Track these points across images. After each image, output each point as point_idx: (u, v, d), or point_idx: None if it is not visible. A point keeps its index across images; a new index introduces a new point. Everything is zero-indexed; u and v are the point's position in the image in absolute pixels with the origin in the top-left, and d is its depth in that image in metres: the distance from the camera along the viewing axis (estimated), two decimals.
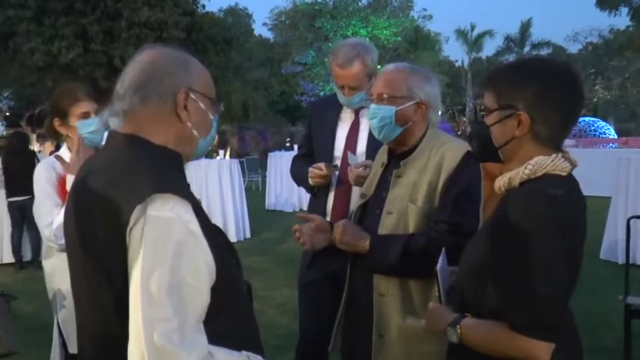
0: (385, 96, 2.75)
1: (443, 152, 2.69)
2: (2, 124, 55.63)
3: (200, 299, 1.58)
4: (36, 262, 9.43)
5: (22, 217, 9.71)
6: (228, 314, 1.67)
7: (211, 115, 1.87)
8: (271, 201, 15.47)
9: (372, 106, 2.80)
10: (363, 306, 2.78)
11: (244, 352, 1.70)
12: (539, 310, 1.78)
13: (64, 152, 3.43)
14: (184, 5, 26.40)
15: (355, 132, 3.67)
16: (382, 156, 2.96)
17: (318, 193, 3.70)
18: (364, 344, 2.75)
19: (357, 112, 3.70)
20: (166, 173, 1.69)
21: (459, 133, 21.15)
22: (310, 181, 3.63)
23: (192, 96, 1.79)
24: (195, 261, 1.58)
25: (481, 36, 48.18)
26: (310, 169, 3.61)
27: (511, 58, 46.51)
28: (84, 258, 1.71)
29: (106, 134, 3.27)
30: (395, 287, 2.69)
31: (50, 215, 3.22)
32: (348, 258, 2.95)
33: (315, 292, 3.69)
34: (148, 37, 24.82)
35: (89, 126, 3.29)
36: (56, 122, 3.35)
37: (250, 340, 1.76)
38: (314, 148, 3.83)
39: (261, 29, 68.19)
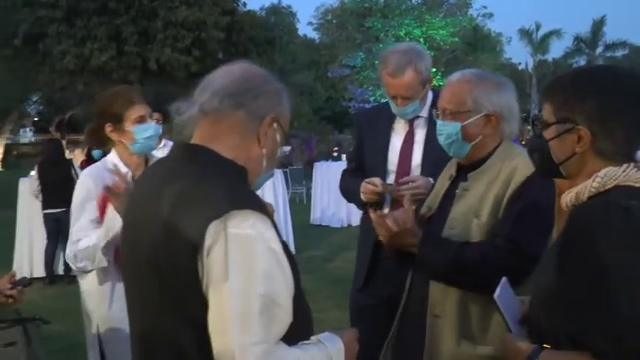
0: (449, 111, 2.71)
1: (515, 165, 2.63)
2: (31, 130, 56.87)
3: (285, 320, 1.65)
4: (67, 278, 9.48)
5: (58, 230, 9.66)
6: (295, 338, 1.70)
7: (279, 151, 1.93)
8: (317, 215, 15.27)
9: (438, 122, 2.76)
10: (416, 327, 2.75)
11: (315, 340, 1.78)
12: (623, 334, 1.65)
13: (114, 159, 3.37)
14: (224, 4, 26.58)
15: (410, 144, 3.63)
16: (451, 169, 2.91)
17: (370, 210, 3.67)
18: None
19: (411, 123, 3.66)
20: (239, 188, 1.74)
21: (523, 143, 20.84)
22: (362, 197, 3.60)
23: (275, 125, 1.85)
24: (280, 280, 1.64)
25: (547, 36, 47.31)
26: (363, 184, 3.57)
27: (581, 60, 46.04)
28: (144, 277, 1.75)
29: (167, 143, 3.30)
30: (452, 309, 2.64)
31: (79, 232, 3.24)
32: (405, 281, 2.94)
33: (368, 318, 3.62)
34: (185, 37, 25.09)
35: (145, 131, 3.27)
36: (108, 128, 3.30)
37: None
38: (365, 162, 3.78)
39: (305, 29, 68.53)
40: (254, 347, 1.56)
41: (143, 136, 3.28)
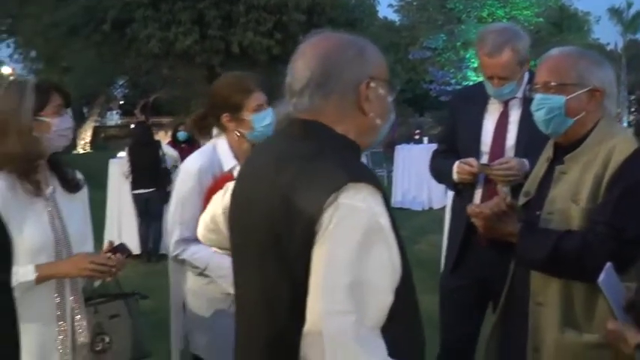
0: (553, 84, 2.61)
1: (613, 145, 2.51)
2: (117, 113, 58.11)
3: (382, 300, 1.61)
4: (155, 257, 9.74)
5: (147, 210, 9.90)
6: (400, 321, 1.66)
7: (390, 98, 1.88)
8: (398, 198, 15.09)
9: (538, 96, 2.66)
10: (519, 315, 2.69)
11: None
12: None
13: (223, 147, 3.36)
14: None
15: (504, 125, 3.57)
16: (548, 150, 2.82)
17: (462, 191, 3.64)
18: (518, 357, 2.66)
19: (505, 104, 3.60)
20: (353, 162, 1.75)
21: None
22: (455, 176, 3.57)
23: (373, 84, 1.81)
24: (382, 258, 1.62)
25: (639, 15, 45.74)
26: (458, 163, 3.53)
27: None
28: (257, 251, 1.77)
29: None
30: (555, 296, 2.56)
31: (176, 224, 3.29)
32: (504, 263, 2.87)
33: (460, 299, 3.64)
34: (267, 21, 25.20)
35: (264, 119, 3.23)
36: (225, 118, 3.28)
37: (416, 353, 1.76)
38: (458, 143, 3.74)
39: (386, 11, 68.08)
40: (340, 316, 1.54)
41: (262, 124, 3.24)
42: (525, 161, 3.33)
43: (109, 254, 2.90)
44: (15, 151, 2.77)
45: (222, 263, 3.13)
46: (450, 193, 3.85)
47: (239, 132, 3.29)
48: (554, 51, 2.74)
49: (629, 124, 36.30)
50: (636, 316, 2.04)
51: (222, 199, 2.66)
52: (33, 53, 31.65)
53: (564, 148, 2.69)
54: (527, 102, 3.27)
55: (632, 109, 42.19)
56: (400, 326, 1.64)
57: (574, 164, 2.60)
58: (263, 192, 1.76)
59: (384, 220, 1.64)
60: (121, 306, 3.05)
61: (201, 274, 3.25)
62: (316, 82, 1.79)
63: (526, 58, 3.51)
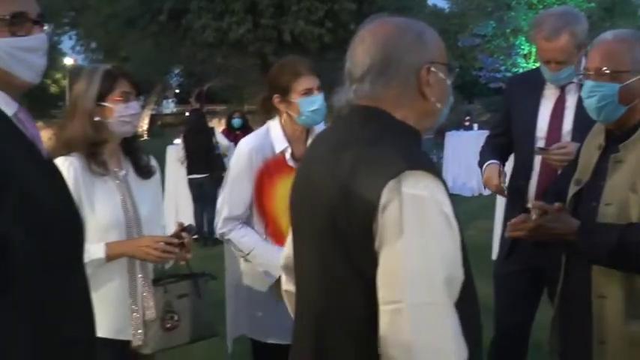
0: (607, 71, 2.47)
1: None
2: (173, 101, 58.82)
3: (457, 284, 1.62)
4: (211, 241, 9.72)
5: (202, 195, 10.07)
6: (461, 305, 1.64)
7: (449, 81, 1.85)
8: (448, 184, 14.94)
9: (590, 83, 2.55)
10: (580, 308, 2.59)
11: None
12: None
13: (276, 129, 3.34)
14: None
15: (560, 110, 3.49)
16: (598, 137, 2.69)
17: (513, 179, 3.59)
18: (583, 350, 2.55)
19: (562, 89, 3.51)
20: (413, 149, 1.72)
21: None
22: (484, 182, 3.61)
23: (434, 69, 1.78)
24: (452, 244, 1.62)
25: None
26: (487, 178, 3.57)
27: None
28: (316, 234, 1.77)
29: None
30: (618, 289, 2.45)
31: (225, 202, 3.31)
32: (561, 252, 2.76)
33: (514, 285, 3.59)
34: (318, 9, 25.25)
35: (312, 104, 3.19)
36: (276, 99, 3.24)
37: (472, 338, 1.72)
38: (512, 128, 3.68)
39: None
40: (427, 307, 1.55)
41: (309, 109, 3.20)
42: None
43: (183, 234, 2.95)
44: (77, 133, 2.86)
45: (266, 251, 3.20)
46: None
47: (288, 114, 3.26)
48: (608, 35, 2.61)
49: None
50: None
51: None
52: (93, 44, 32.29)
53: (617, 136, 2.57)
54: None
55: None
56: (461, 310, 1.62)
57: (630, 152, 2.48)
58: (323, 177, 1.76)
59: (448, 209, 1.62)
60: (190, 286, 3.08)
61: (244, 258, 3.28)
62: (377, 68, 1.76)
63: (584, 42, 3.38)
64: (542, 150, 3.37)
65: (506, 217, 3.67)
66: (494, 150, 3.76)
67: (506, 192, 3.58)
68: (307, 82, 3.20)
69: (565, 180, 2.81)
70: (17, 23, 1.85)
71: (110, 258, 2.83)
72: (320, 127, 3.28)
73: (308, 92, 3.19)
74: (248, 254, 3.23)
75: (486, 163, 3.63)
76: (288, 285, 2.18)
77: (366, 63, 1.78)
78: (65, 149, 2.85)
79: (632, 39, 2.55)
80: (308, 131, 3.34)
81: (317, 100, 3.19)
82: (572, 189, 2.73)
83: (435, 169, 1.66)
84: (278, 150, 3.27)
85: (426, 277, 1.56)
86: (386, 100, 1.77)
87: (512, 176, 3.69)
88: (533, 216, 2.64)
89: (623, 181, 2.46)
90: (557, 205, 2.66)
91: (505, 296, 3.67)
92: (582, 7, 33.79)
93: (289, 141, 3.29)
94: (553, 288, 3.09)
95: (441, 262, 1.58)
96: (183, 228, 2.99)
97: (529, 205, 3.32)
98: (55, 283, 1.82)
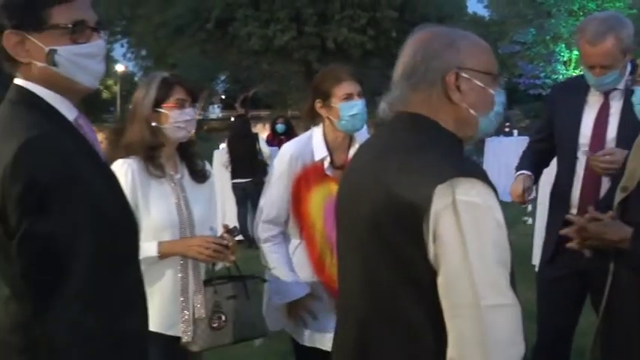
0: None
1: None
2: (219, 107, 59.26)
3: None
4: (254, 244, 9.76)
5: (245, 197, 10.11)
6: None
7: (492, 90, 1.81)
8: None
9: (639, 89, 2.55)
10: (626, 314, 2.53)
11: None
12: None
13: (318, 137, 3.34)
14: None
15: (604, 117, 3.38)
16: None
17: (559, 183, 3.52)
18: (625, 356, 2.53)
19: (606, 95, 3.41)
20: (461, 157, 1.74)
21: None
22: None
23: (465, 75, 1.75)
24: (506, 250, 1.61)
25: None
26: (513, 193, 3.50)
27: None
28: (360, 239, 1.77)
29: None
30: None
31: (264, 205, 3.33)
32: (609, 257, 2.67)
33: (558, 290, 3.51)
34: (361, 17, 25.27)
35: (351, 108, 3.19)
36: (318, 104, 3.26)
37: None
38: (555, 134, 3.61)
39: (475, 7, 67.52)
40: (504, 309, 1.58)
41: (348, 114, 3.20)
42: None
43: (225, 235, 2.99)
44: (136, 138, 2.94)
45: (285, 279, 3.25)
46: (542, 185, 3.72)
47: (329, 120, 3.26)
48: None
49: None
50: None
51: None
52: (143, 52, 32.65)
53: None
54: (629, 93, 3.11)
55: None
56: None
57: None
58: (367, 184, 1.75)
59: (499, 215, 1.62)
60: (239, 288, 3.10)
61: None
62: (407, 73, 1.77)
63: (629, 47, 3.29)
64: (590, 156, 3.28)
65: (550, 223, 3.62)
66: (535, 155, 3.70)
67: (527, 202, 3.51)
68: (348, 87, 3.20)
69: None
70: (78, 31, 1.88)
71: (163, 256, 2.89)
72: (362, 136, 3.29)
73: (348, 97, 3.19)
74: (270, 269, 3.28)
75: (517, 173, 3.56)
76: None
77: (400, 68, 1.80)
78: (124, 152, 2.92)
79: None
80: (351, 139, 3.33)
81: (357, 105, 3.19)
82: (619, 196, 2.66)
83: (485, 176, 1.65)
84: (317, 158, 3.27)
85: (492, 281, 1.57)
86: (415, 103, 1.77)
87: (555, 182, 3.63)
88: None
89: None
90: (609, 213, 2.61)
91: (549, 302, 3.59)
92: (624, 14, 33.14)
93: (330, 149, 3.28)
94: (596, 294, 3.00)
95: (501, 265, 1.59)
96: (227, 230, 3.03)
97: (572, 212, 3.30)
98: (115, 278, 1.86)
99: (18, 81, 1.91)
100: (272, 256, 3.29)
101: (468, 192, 1.58)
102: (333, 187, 3.11)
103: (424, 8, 28.09)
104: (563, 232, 2.67)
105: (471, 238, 1.56)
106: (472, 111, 1.77)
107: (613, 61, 3.25)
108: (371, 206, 1.71)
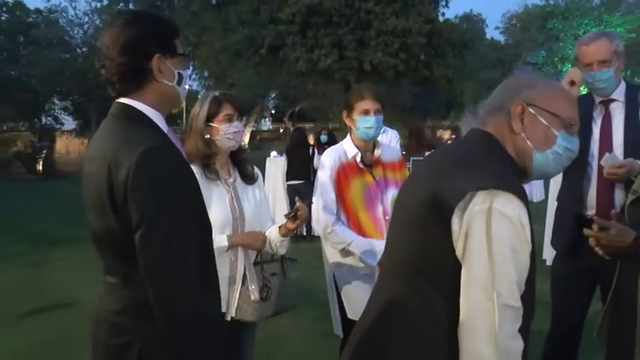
0: None
1: None
2: (269, 120, 59.60)
3: (519, 289, 1.63)
4: (308, 237, 9.90)
5: (298, 198, 10.20)
6: (525, 302, 1.67)
7: (556, 132, 1.80)
8: None
9: None
10: (628, 303, 2.53)
11: None
12: None
13: (348, 140, 3.55)
14: (426, 14, 26.29)
15: (608, 126, 3.36)
16: None
17: (573, 185, 3.44)
18: (627, 338, 2.52)
19: (606, 107, 3.40)
20: (509, 175, 1.73)
21: None
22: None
23: (531, 110, 1.78)
24: (525, 263, 1.64)
25: None
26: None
27: None
28: (409, 228, 1.79)
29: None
30: None
31: (319, 200, 3.44)
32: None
33: (571, 286, 3.47)
34: (394, 43, 25.07)
35: (366, 122, 3.39)
36: (344, 114, 3.50)
37: (529, 324, 1.74)
38: None
39: (492, 32, 66.87)
40: (514, 310, 1.59)
41: (363, 125, 3.41)
42: (639, 162, 3.14)
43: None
44: (192, 148, 3.05)
45: (364, 241, 3.32)
46: (550, 188, 3.64)
47: (351, 128, 3.48)
48: None
49: None
50: None
51: None
52: (206, 73, 32.85)
53: None
54: (630, 104, 3.25)
55: None
56: (524, 305, 1.66)
57: None
58: (422, 177, 1.81)
59: (528, 234, 1.63)
60: (278, 267, 3.24)
61: (345, 248, 3.34)
62: (489, 101, 1.86)
63: (622, 52, 3.31)
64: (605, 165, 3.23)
65: (560, 222, 3.55)
66: None
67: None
68: (367, 104, 3.40)
69: None
70: (188, 58, 2.08)
71: (230, 247, 3.00)
72: (385, 146, 3.58)
73: (366, 113, 3.40)
74: (350, 244, 3.33)
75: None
76: None
77: (489, 98, 1.88)
78: None
79: None
80: (374, 144, 3.53)
81: (370, 120, 3.38)
82: (629, 198, 2.67)
83: (524, 195, 1.65)
84: (350, 155, 3.48)
85: (508, 285, 1.59)
86: (489, 125, 1.82)
87: (565, 186, 3.57)
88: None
89: None
90: (613, 212, 2.60)
91: (563, 296, 3.54)
92: (624, 37, 32.66)
93: (359, 149, 3.48)
94: (605, 284, 3.02)
95: (517, 274, 1.60)
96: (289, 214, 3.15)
97: (590, 212, 3.28)
98: (206, 266, 1.92)
99: (124, 100, 1.95)
100: (345, 232, 3.36)
101: (505, 204, 1.59)
102: (369, 178, 3.42)
103: (449, 35, 27.85)
104: (587, 232, 2.57)
105: (497, 245, 1.58)
106: (528, 142, 1.79)
107: (608, 56, 3.26)
108: (418, 195, 1.74)
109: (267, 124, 61.85)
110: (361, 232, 3.34)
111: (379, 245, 3.19)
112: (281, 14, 25.05)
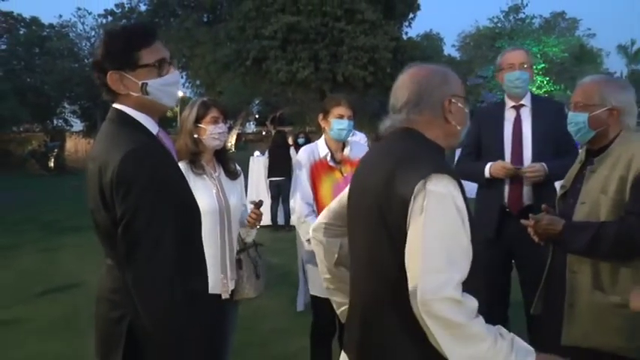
0: (580, 104, 2.53)
1: (633, 150, 2.39)
2: (253, 124, 59.42)
3: (466, 263, 1.58)
4: (287, 227, 9.87)
5: (278, 193, 10.25)
6: (472, 276, 1.61)
7: (466, 109, 1.85)
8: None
9: (570, 113, 2.59)
10: (559, 280, 2.58)
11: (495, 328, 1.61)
12: None
13: (321, 142, 3.55)
14: (392, 33, 26.42)
15: (519, 128, 3.52)
16: (580, 155, 2.72)
17: (493, 182, 3.52)
18: (558, 310, 2.57)
19: (517, 111, 3.55)
20: (438, 159, 1.74)
21: None
22: (493, 172, 3.47)
23: (454, 100, 1.81)
24: (462, 231, 1.59)
25: None
26: (498, 165, 3.45)
27: None
28: (366, 219, 1.76)
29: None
30: (586, 267, 2.46)
31: (295, 193, 3.43)
32: (526, 235, 2.73)
33: (495, 262, 3.56)
34: (363, 57, 25.12)
35: (340, 124, 3.40)
36: (320, 117, 3.49)
37: (481, 299, 1.65)
38: (483, 146, 3.64)
39: (450, 49, 67.16)
40: (438, 274, 1.52)
41: (338, 127, 3.41)
42: (544, 165, 3.36)
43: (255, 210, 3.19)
44: (182, 146, 3.04)
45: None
46: (474, 186, 3.73)
47: (325, 129, 3.48)
48: (587, 78, 2.63)
49: None
50: None
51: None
52: (198, 82, 32.67)
53: (593, 153, 2.59)
54: (535, 110, 3.48)
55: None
56: (472, 280, 1.60)
57: (601, 165, 2.49)
58: (372, 177, 1.76)
59: (460, 203, 1.62)
60: (254, 251, 3.30)
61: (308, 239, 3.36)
62: (413, 102, 1.80)
63: (532, 64, 3.61)
64: (517, 169, 3.41)
65: (482, 214, 3.59)
66: (471, 162, 3.71)
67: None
68: (342, 110, 3.42)
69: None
70: (161, 66, 1.93)
71: None
72: (355, 143, 3.57)
73: (341, 117, 3.41)
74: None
75: (488, 164, 3.52)
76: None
77: (405, 97, 1.82)
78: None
79: (602, 81, 2.56)
80: (344, 143, 3.53)
81: (344, 123, 3.41)
82: (559, 192, 2.76)
83: (454, 174, 1.65)
84: (322, 154, 3.47)
85: (436, 249, 1.54)
86: (419, 123, 1.80)
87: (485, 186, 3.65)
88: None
89: (596, 186, 2.47)
90: (543, 206, 2.68)
91: (487, 271, 3.60)
92: (558, 56, 33.37)
93: (330, 149, 3.48)
94: (520, 261, 3.43)
95: (450, 239, 1.56)
96: (255, 204, 3.19)
97: (506, 202, 3.49)
98: (191, 249, 1.93)
99: (116, 105, 1.94)
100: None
101: (437, 184, 1.59)
102: (338, 175, 3.38)
103: (412, 51, 27.93)
104: (525, 223, 2.68)
105: (430, 218, 1.55)
106: (459, 127, 1.83)
107: (527, 63, 3.51)
108: (375, 195, 1.72)
109: (251, 128, 61.68)
110: None
111: None
112: (264, 31, 24.98)
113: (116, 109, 1.94)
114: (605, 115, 2.49)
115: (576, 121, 2.55)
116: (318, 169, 3.43)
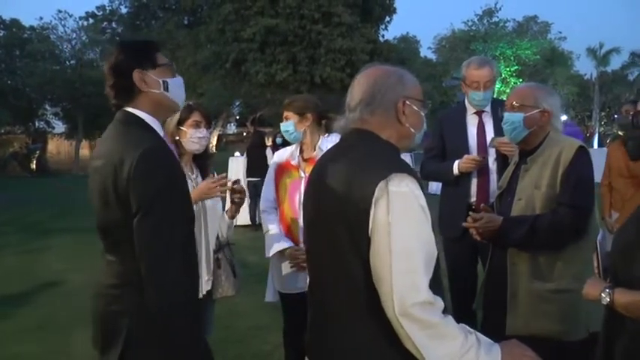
0: (516, 105, 2.66)
1: (561, 148, 2.56)
2: (234, 125, 59.14)
3: (432, 260, 1.58)
4: (260, 226, 9.84)
5: (256, 193, 10.02)
6: (434, 274, 1.59)
7: (422, 113, 1.79)
8: (433, 187, 14.78)
9: (506, 114, 2.71)
10: (501, 273, 2.68)
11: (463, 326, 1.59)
12: None
13: (294, 146, 3.44)
14: (369, 36, 26.55)
15: (482, 130, 3.63)
16: (515, 156, 2.87)
17: (461, 180, 3.59)
18: (501, 302, 2.66)
19: (480, 116, 3.65)
20: (395, 159, 1.70)
21: (587, 135, 19.55)
22: (463, 167, 3.51)
23: (408, 102, 1.74)
24: (426, 228, 1.59)
25: (609, 52, 42.92)
26: (468, 157, 3.50)
27: (635, 71, 42.64)
28: (327, 227, 1.69)
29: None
30: (525, 258, 2.59)
31: (264, 191, 3.42)
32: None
33: (463, 258, 3.68)
34: (340, 60, 25.21)
35: (286, 127, 3.30)
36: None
37: (442, 296, 1.64)
38: (448, 147, 3.70)
39: (426, 52, 67.32)
40: (409, 275, 1.51)
41: (283, 129, 3.34)
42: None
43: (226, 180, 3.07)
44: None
45: (271, 236, 3.29)
46: (439, 185, 3.81)
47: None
48: (522, 84, 2.83)
49: (599, 135, 35.28)
50: (609, 277, 2.01)
51: None
52: None
53: (526, 153, 2.72)
54: (494, 114, 3.51)
55: (602, 123, 41.97)
56: (434, 278, 1.59)
57: (534, 164, 2.64)
58: (329, 180, 1.71)
59: (423, 202, 1.59)
60: (228, 251, 3.28)
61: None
62: (366, 101, 1.74)
63: (496, 76, 3.64)
64: (483, 159, 3.52)
65: (449, 211, 3.67)
66: (435, 163, 3.77)
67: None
68: (285, 113, 3.33)
69: None
70: (171, 67, 2.09)
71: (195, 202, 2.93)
72: (328, 142, 3.30)
73: (286, 119, 3.33)
74: (265, 232, 3.34)
75: (456, 162, 3.56)
76: None
77: (359, 97, 1.75)
78: None
79: (535, 86, 2.78)
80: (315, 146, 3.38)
81: (285, 126, 3.30)
82: (497, 192, 2.91)
83: (414, 173, 1.62)
84: (288, 154, 3.39)
85: (407, 251, 1.52)
86: (372, 124, 1.74)
87: (452, 183, 3.69)
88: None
89: (530, 183, 2.63)
90: (482, 206, 2.83)
91: (454, 258, 3.71)
92: (531, 58, 33.75)
93: (302, 147, 3.36)
94: (484, 258, 3.22)
95: (418, 240, 1.55)
96: (233, 182, 3.12)
97: (473, 199, 3.55)
98: (190, 250, 1.98)
99: (128, 108, 2.00)
100: (267, 218, 3.35)
101: (398, 184, 1.56)
102: (296, 174, 3.30)
103: (388, 53, 28.07)
104: (466, 225, 2.75)
105: (395, 219, 1.53)
106: (412, 129, 1.77)
107: (492, 81, 3.55)
108: (333, 196, 1.66)
109: (232, 129, 61.30)
110: (283, 220, 3.32)
111: (278, 245, 3.23)
112: (243, 33, 24.94)
113: (126, 111, 1.99)
114: (538, 116, 2.63)
115: (512, 120, 2.67)
116: (281, 169, 3.38)
